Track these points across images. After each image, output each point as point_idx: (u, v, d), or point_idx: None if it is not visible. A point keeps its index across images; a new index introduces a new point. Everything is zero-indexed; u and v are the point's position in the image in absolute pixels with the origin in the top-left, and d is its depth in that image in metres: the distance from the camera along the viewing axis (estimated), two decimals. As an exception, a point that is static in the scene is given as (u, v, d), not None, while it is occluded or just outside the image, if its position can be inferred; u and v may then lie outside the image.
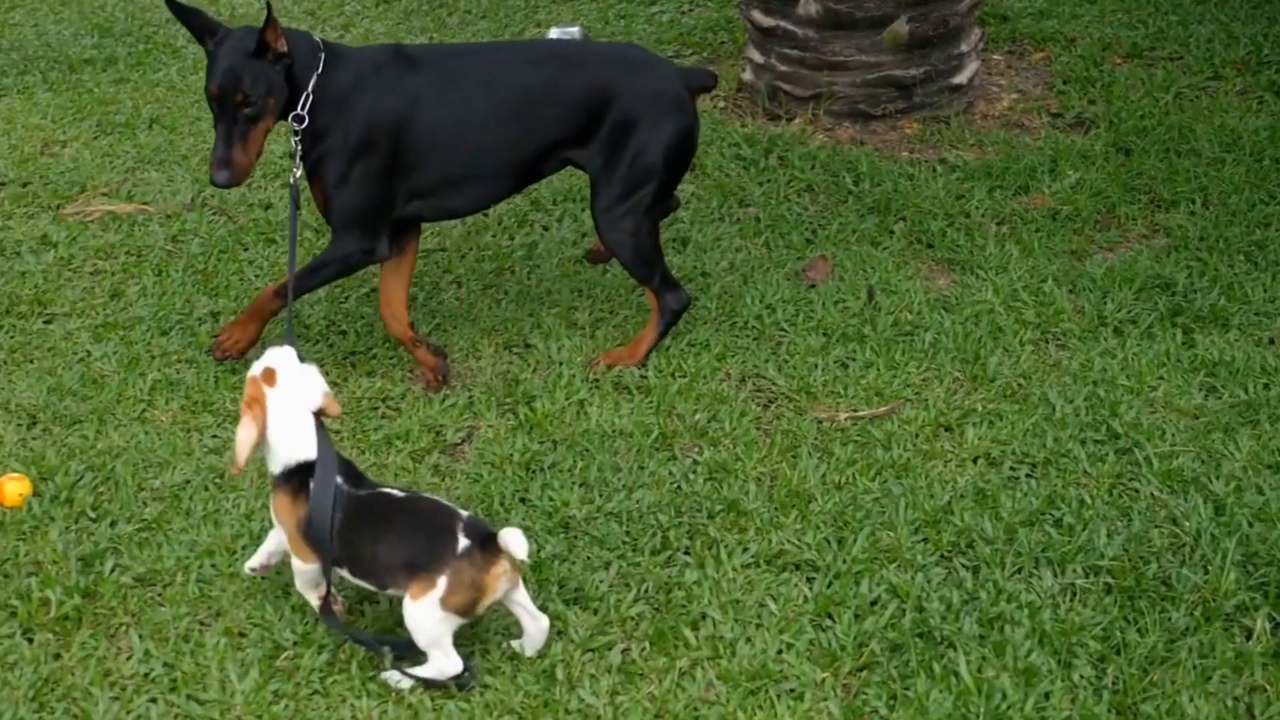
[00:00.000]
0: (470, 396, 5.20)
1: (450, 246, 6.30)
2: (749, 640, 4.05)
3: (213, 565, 4.35)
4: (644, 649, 4.03)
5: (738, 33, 8.66)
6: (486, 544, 3.81)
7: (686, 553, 4.40)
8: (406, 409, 5.15)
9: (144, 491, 4.71)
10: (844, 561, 4.33)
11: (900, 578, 4.25)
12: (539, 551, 4.35)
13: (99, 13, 9.77)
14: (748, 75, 7.79)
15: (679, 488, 4.69)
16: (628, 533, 4.48)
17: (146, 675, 3.97)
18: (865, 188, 6.71)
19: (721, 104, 7.78)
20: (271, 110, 4.91)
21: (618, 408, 5.10)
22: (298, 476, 3.96)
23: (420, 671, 3.88)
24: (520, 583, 3.93)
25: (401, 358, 5.44)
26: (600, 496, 4.63)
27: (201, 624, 4.15)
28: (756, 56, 7.68)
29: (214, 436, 5.02)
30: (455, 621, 3.84)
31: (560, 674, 3.93)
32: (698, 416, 5.05)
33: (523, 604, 3.96)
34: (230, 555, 4.39)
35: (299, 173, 5.02)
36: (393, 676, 3.91)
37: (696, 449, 4.90)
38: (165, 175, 7.14)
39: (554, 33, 8.82)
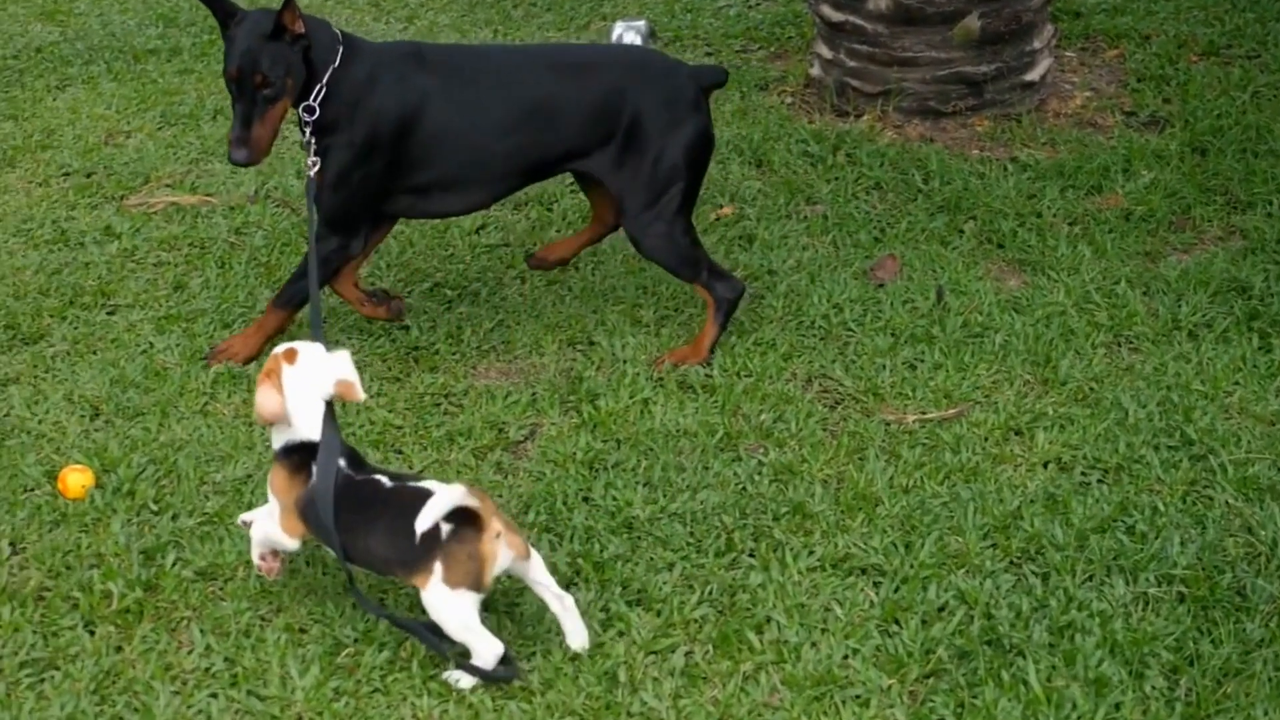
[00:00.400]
0: (533, 394, 5.20)
1: (514, 241, 6.31)
2: (814, 645, 4.03)
3: (274, 560, 4.37)
4: (707, 652, 4.02)
5: (806, 27, 8.63)
6: (470, 518, 3.83)
7: (751, 555, 4.39)
8: (469, 405, 5.15)
9: (205, 485, 4.74)
10: (911, 566, 4.30)
11: (968, 584, 4.23)
12: (601, 552, 4.36)
13: (163, 2, 9.82)
14: (815, 71, 7.76)
15: (744, 489, 4.68)
16: (692, 534, 4.47)
17: (207, 670, 3.99)
18: (935, 186, 6.68)
19: (789, 100, 7.76)
20: (289, 91, 5.00)
21: (682, 407, 5.10)
22: (298, 455, 4.04)
23: (476, 663, 3.89)
24: (534, 557, 3.96)
25: (465, 353, 5.45)
26: (664, 497, 4.63)
27: (262, 619, 4.17)
28: (825, 52, 7.65)
29: (276, 431, 5.04)
30: (472, 597, 3.85)
31: (623, 676, 3.93)
32: (763, 417, 5.04)
33: (542, 582, 3.98)
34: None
35: (314, 168, 5.09)
36: (453, 675, 3.92)
37: (762, 450, 4.89)
38: (229, 167, 7.16)
39: (619, 27, 8.82)
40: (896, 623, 4.11)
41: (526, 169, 5.34)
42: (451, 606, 3.85)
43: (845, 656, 4.00)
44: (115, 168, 7.19)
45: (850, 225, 6.36)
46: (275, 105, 4.99)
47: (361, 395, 4.14)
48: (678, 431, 4.96)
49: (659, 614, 4.14)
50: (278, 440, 4.08)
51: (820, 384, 5.28)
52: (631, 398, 5.14)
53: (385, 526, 3.93)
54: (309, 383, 4.04)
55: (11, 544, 4.47)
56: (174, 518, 4.58)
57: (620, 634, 4.07)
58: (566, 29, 9.20)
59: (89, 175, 7.16)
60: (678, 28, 9.05)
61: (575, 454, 4.85)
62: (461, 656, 3.93)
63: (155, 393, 5.26)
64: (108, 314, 5.85)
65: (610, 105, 5.22)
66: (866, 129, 7.28)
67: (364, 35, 5.81)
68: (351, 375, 4.10)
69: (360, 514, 3.96)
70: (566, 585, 4.21)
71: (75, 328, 5.72)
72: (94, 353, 5.55)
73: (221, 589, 4.29)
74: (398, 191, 5.26)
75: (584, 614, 4.07)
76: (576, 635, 4.02)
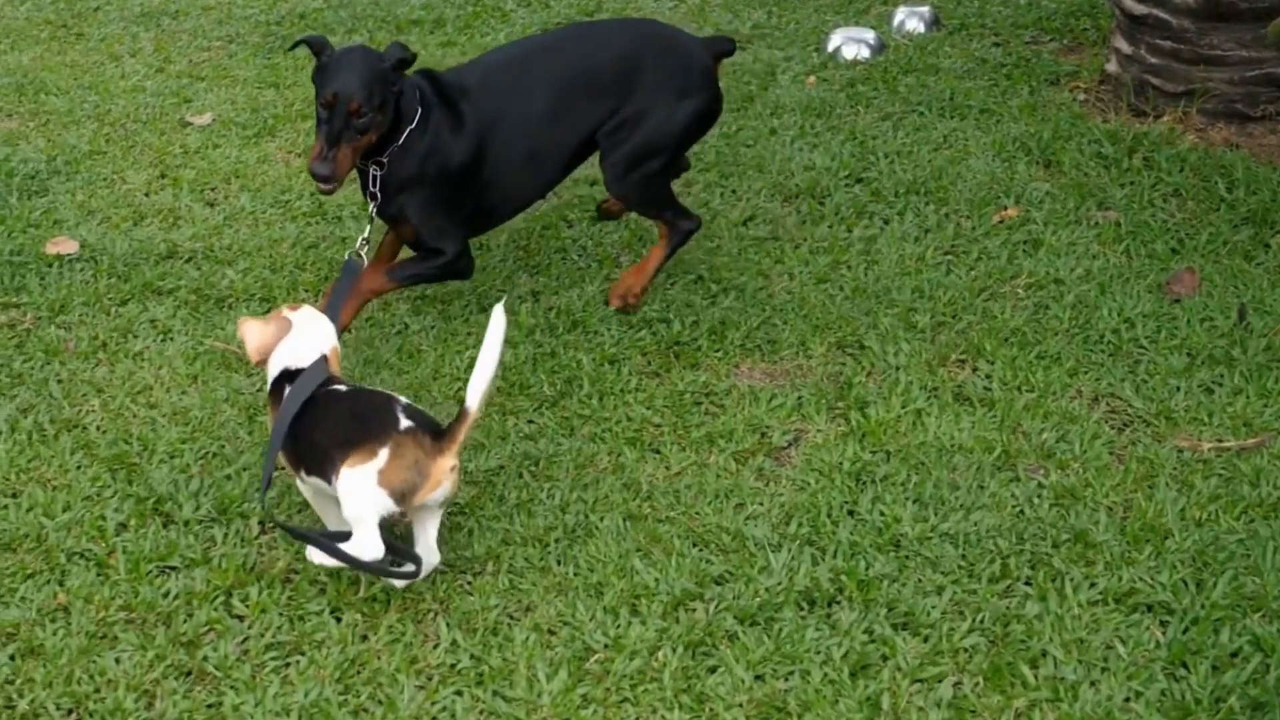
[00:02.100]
0: (799, 398, 5.17)
1: (783, 235, 6.29)
2: (1093, 684, 3.94)
3: (524, 557, 4.42)
4: (977, 684, 3.95)
5: (1103, 19, 8.46)
6: (436, 434, 4.15)
7: (1027, 583, 4.30)
8: (731, 406, 5.15)
9: (457, 474, 4.81)
10: (1202, 606, 4.17)
11: (1265, 629, 4.09)
12: (866, 570, 4.31)
13: (429, -28, 10.03)
14: (1112, 66, 7.59)
15: (1021, 512, 4.59)
16: (964, 557, 4.40)
17: (453, 666, 4.04)
18: (1239, 195, 6.48)
19: (1082, 96, 7.61)
20: (376, 129, 5.15)
21: (958, 420, 5.02)
22: (286, 384, 4.41)
23: (345, 547, 4.16)
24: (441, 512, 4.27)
25: (727, 351, 5.45)
26: (935, 515, 4.56)
27: (511, 617, 4.21)
28: (1124, 46, 7.48)
29: (530, 422, 5.09)
30: (387, 503, 4.13)
31: (885, 703, 3.88)
32: (1045, 436, 4.94)
33: (430, 534, 4.27)
34: (543, 547, 4.45)
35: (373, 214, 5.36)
36: (314, 555, 4.26)
37: (1042, 471, 4.79)
38: (490, 145, 7.27)
39: (901, 13, 8.79)
40: (1184, 666, 3.99)
41: (575, 155, 5.67)
42: (366, 498, 4.12)
43: (1127, 699, 3.90)
44: (375, 141, 7.33)
45: (1145, 234, 6.20)
46: (361, 138, 5.12)
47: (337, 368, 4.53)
48: (952, 446, 4.89)
49: (926, 640, 4.09)
50: (271, 375, 4.48)
51: (1108, 403, 5.15)
52: (904, 407, 5.08)
53: (339, 415, 4.26)
54: (313, 331, 4.51)
55: (260, 523, 4.58)
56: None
57: (884, 659, 4.02)
58: (845, 12, 9.16)
59: (348, 147, 7.31)
60: (963, 15, 8.94)
61: (841, 464, 4.81)
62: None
63: (409, 374, 5.35)
64: (363, 291, 5.97)
65: (627, 75, 5.55)
66: (1166, 131, 7.09)
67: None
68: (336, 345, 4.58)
69: (314, 416, 4.29)
70: (829, 603, 4.18)
71: (330, 304, 5.85)
72: (349, 330, 5.66)
73: (470, 583, 4.35)
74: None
75: (845, 633, 4.05)
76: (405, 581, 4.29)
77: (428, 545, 4.27)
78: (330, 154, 5.04)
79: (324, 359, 4.45)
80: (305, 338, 4.49)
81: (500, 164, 5.46)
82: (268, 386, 4.51)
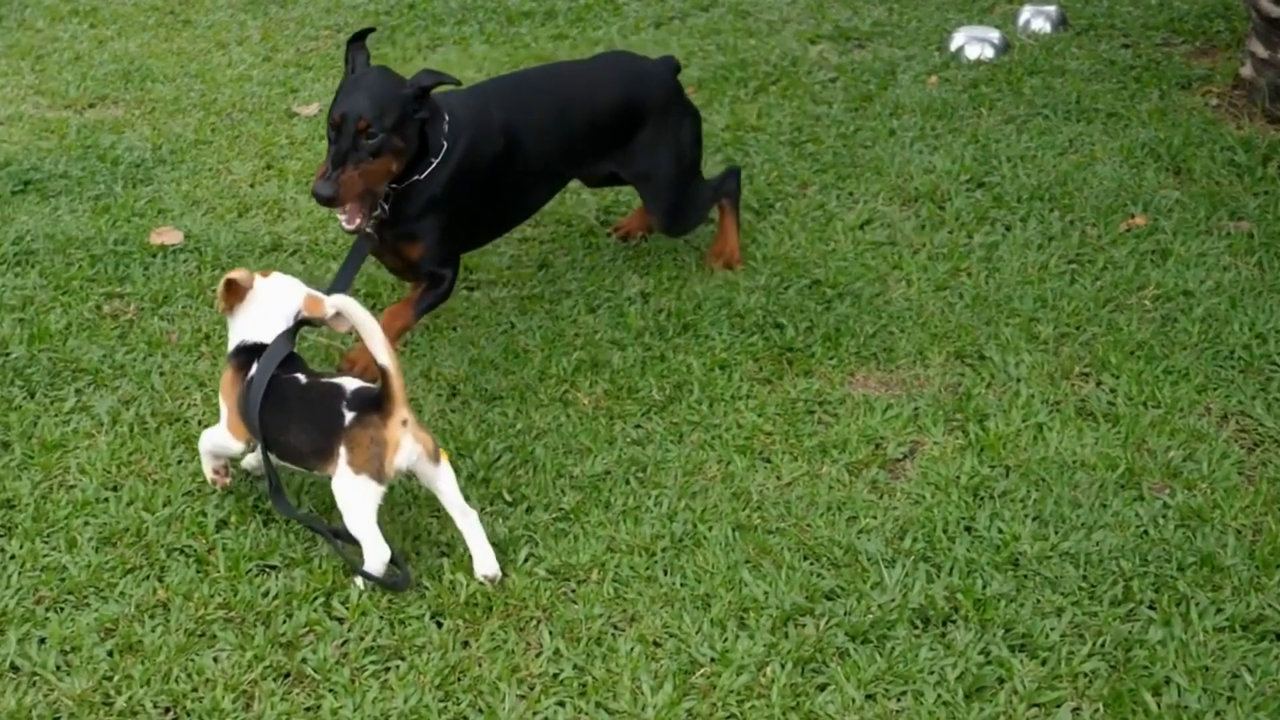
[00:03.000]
0: (915, 408, 5.14)
1: (901, 241, 6.26)
2: (1219, 715, 3.88)
3: (630, 566, 4.42)
4: (1097, 711, 3.91)
5: (1238, 21, 8.35)
6: (377, 405, 4.28)
7: (1151, 607, 4.25)
8: (844, 415, 5.13)
9: (562, 479, 4.82)
10: (1335, 637, 4.12)
11: (1401, 663, 4.02)
12: (983, 588, 4.27)
13: (541, -37, 10.07)
14: (1247, 70, 7.49)
15: (1145, 532, 4.54)
16: (1084, 578, 4.35)
17: (555, 676, 4.05)
18: (1380, 208, 6.38)
19: (1214, 101, 7.52)
20: (395, 154, 5.03)
21: (1080, 435, 4.97)
22: (245, 356, 4.55)
23: (366, 568, 4.29)
24: (445, 466, 4.37)
25: (842, 359, 5.43)
26: (1055, 534, 4.52)
27: (615, 627, 4.21)
28: (1260, 50, 7.38)
29: (637, 427, 5.09)
30: (374, 489, 4.26)
31: (1001, 728, 3.86)
32: (1171, 454, 4.88)
33: (448, 494, 4.39)
34: (649, 556, 4.45)
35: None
36: (356, 581, 4.34)
37: (1168, 490, 4.73)
38: (601, 141, 7.29)
39: (1027, 12, 8.74)
40: (1315, 699, 3.94)
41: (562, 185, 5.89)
42: (355, 493, 4.25)
43: (1254, 731, 3.85)
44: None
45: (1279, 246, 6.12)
46: (374, 161, 4.98)
47: (329, 310, 4.56)
48: (1074, 462, 4.84)
49: (1044, 663, 4.05)
50: (232, 342, 4.62)
51: (1238, 422, 5.08)
52: (1024, 421, 5.03)
53: (300, 421, 4.38)
54: (278, 295, 4.60)
55: (361, 523, 4.61)
56: (528, 510, 4.66)
57: (1001, 681, 3.98)
58: (968, 10, 9.10)
59: (456, 141, 7.35)
60: (1092, 15, 8.86)
61: (959, 478, 4.78)
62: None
63: (514, 376, 5.37)
64: (469, 289, 6.01)
65: (624, 110, 5.75)
66: (1303, 139, 7.00)
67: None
68: (320, 295, 4.62)
69: (281, 411, 4.41)
70: (943, 622, 4.15)
71: (436, 301, 5.88)
72: (454, 329, 5.70)
73: (574, 591, 4.35)
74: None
75: (960, 654, 4.01)
76: (483, 560, 4.38)
77: (457, 505, 4.41)
78: (334, 174, 4.91)
79: (285, 336, 4.56)
80: (265, 308, 4.59)
81: (518, 181, 5.51)
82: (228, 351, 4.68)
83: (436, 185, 5.19)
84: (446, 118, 5.21)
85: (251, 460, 4.70)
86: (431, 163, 5.15)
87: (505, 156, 5.39)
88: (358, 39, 5.20)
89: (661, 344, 5.54)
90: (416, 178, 5.14)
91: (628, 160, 5.80)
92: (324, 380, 4.49)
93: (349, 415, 4.30)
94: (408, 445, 4.28)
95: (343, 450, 4.27)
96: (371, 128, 4.93)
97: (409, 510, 4.65)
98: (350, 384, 4.42)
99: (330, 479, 4.32)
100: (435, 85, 5.07)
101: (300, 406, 4.42)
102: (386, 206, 5.12)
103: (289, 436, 4.41)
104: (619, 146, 5.76)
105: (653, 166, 5.81)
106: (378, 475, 4.27)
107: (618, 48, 8.64)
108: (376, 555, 4.28)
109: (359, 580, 4.33)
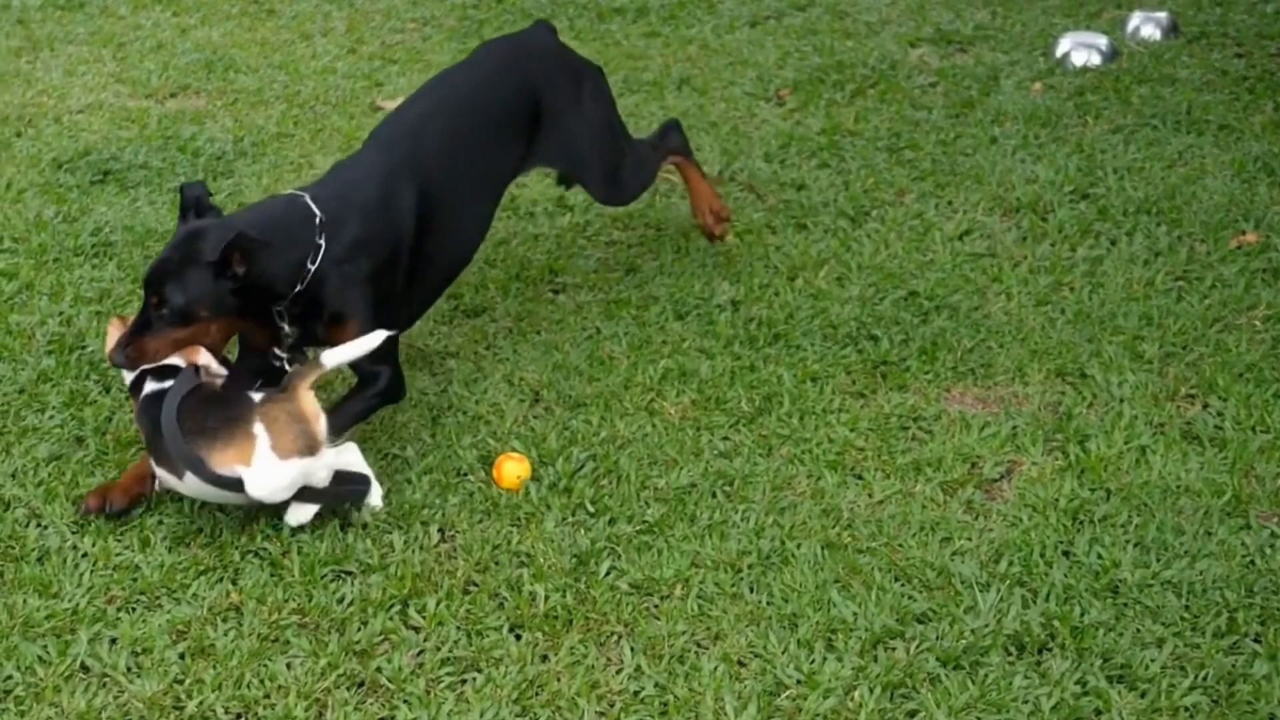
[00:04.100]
0: (1013, 427, 5.11)
1: (1001, 253, 6.23)
2: (1326, 755, 3.85)
3: (715, 582, 4.41)
4: (1198, 747, 3.88)
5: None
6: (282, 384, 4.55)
7: (1256, 640, 4.20)
8: (939, 432, 5.10)
9: (646, 490, 4.82)
10: None
11: None
12: (1081, 616, 4.24)
13: (634, -42, 10.09)
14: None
15: (1252, 562, 4.49)
16: (1187, 608, 4.31)
17: (636, 694, 4.05)
18: None
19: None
20: (203, 322, 4.71)
21: (1185, 459, 4.92)
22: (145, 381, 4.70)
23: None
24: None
25: (938, 374, 5.40)
26: (1157, 561, 4.47)
27: (699, 645, 4.21)
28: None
29: (725, 439, 5.09)
30: (301, 468, 4.49)
31: (1097, 762, 3.83)
32: (1280, 481, 4.84)
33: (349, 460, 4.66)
34: (735, 572, 4.44)
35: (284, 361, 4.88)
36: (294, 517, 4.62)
37: (1275, 519, 4.68)
38: (693, 143, 7.26)
39: (1136, 18, 8.67)
40: None
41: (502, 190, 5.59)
42: (281, 477, 4.46)
43: (1362, 774, 3.80)
44: (572, 134, 7.39)
45: (1402, 264, 6.05)
46: (182, 330, 4.69)
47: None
48: (1178, 488, 4.79)
49: (1143, 695, 4.01)
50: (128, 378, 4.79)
51: (1351, 450, 5.03)
52: (1127, 443, 4.99)
53: (197, 421, 4.51)
54: None
55: (440, 530, 4.63)
56: (611, 522, 4.67)
57: (1098, 713, 3.95)
58: (1075, 15, 9.05)
59: (544, 140, 7.38)
60: (1204, 22, 8.79)
61: (1057, 500, 4.74)
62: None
63: (599, 383, 5.38)
64: (554, 292, 6.03)
65: (529, 99, 5.54)
66: None
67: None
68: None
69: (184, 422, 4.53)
70: (1039, 649, 4.13)
71: (520, 303, 5.91)
72: (537, 333, 5.71)
73: (657, 606, 4.35)
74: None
75: (1056, 683, 3.99)
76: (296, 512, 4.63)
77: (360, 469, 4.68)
78: (131, 343, 4.66)
79: (193, 369, 4.68)
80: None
81: (440, 235, 5.18)
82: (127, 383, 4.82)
83: (329, 287, 4.85)
84: (318, 216, 4.83)
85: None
86: (309, 270, 4.79)
87: (419, 225, 5.06)
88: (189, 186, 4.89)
89: (751, 354, 5.53)
90: (299, 288, 4.79)
91: (545, 148, 5.59)
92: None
93: (257, 396, 4.57)
94: (322, 416, 4.56)
95: (259, 428, 4.45)
96: (164, 305, 4.64)
97: (488, 519, 4.67)
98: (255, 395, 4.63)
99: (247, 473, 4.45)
100: (245, 250, 4.61)
101: (210, 405, 4.57)
102: (287, 328, 4.84)
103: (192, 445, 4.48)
104: (532, 139, 5.54)
105: (570, 143, 5.64)
106: (309, 452, 4.49)
107: (711, 47, 8.66)
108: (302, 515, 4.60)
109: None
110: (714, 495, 4.80)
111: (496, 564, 4.50)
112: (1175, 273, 6.06)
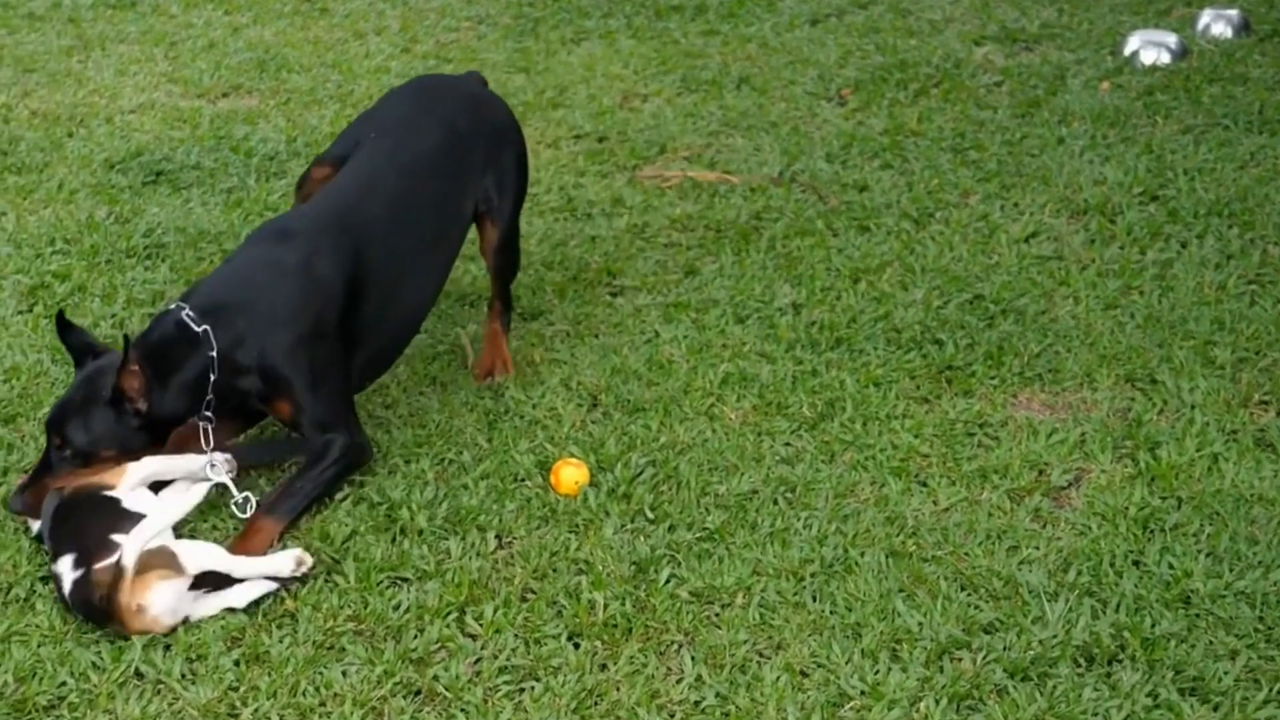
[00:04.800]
0: (1082, 434, 5.09)
1: (1069, 255, 6.21)
2: (1405, 772, 3.82)
3: (777, 591, 4.41)
4: (1273, 762, 3.86)
5: None
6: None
7: (1333, 653, 4.19)
8: (1006, 439, 5.09)
9: (707, 496, 4.82)
10: None
11: None
12: (1151, 627, 4.22)
13: (692, -45, 10.10)
14: None
15: (1327, 573, 4.47)
16: (1261, 619, 4.28)
17: (697, 704, 4.05)
18: None
19: None
20: (113, 455, 4.64)
21: (1259, 467, 4.90)
22: None
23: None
24: None
25: (1004, 379, 5.39)
26: (1230, 571, 4.45)
27: (760, 655, 4.21)
28: None
29: (787, 445, 5.09)
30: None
31: (1169, 776, 3.81)
32: (1357, 490, 4.81)
33: None
34: (797, 581, 4.44)
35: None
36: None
37: (1352, 529, 4.66)
38: (752, 143, 7.31)
39: (1206, 16, 8.65)
40: None
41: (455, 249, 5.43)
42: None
43: None
44: (629, 134, 7.42)
45: None
46: (88, 466, 4.61)
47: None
48: (1252, 496, 4.77)
49: (1216, 708, 3.98)
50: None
51: None
52: (1199, 451, 4.97)
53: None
54: None
55: (498, 536, 4.65)
56: (671, 529, 4.67)
57: (1167, 727, 3.94)
58: (1144, 12, 9.02)
59: (601, 140, 7.42)
60: (1276, 20, 8.79)
61: (1127, 509, 4.72)
62: None
63: (658, 387, 5.38)
64: (611, 294, 6.04)
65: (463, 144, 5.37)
66: None
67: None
68: None
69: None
70: (1109, 661, 4.11)
71: (577, 306, 5.92)
72: (595, 336, 5.73)
73: (718, 615, 4.35)
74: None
75: (1127, 695, 3.97)
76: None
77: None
78: (30, 488, 4.62)
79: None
80: None
81: (381, 297, 5.06)
82: None
83: (244, 381, 4.76)
84: (200, 329, 4.66)
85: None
86: (211, 379, 4.67)
87: (352, 286, 4.94)
88: (64, 325, 4.78)
89: (813, 358, 5.53)
90: (209, 398, 4.70)
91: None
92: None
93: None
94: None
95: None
96: (65, 447, 4.60)
97: (546, 525, 4.68)
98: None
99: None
100: (131, 391, 4.55)
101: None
102: (207, 422, 4.73)
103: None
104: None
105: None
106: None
107: (770, 45, 8.66)
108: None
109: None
110: (775, 502, 4.80)
111: (554, 571, 4.51)
112: (1248, 276, 6.03)
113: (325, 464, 4.75)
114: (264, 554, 4.52)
